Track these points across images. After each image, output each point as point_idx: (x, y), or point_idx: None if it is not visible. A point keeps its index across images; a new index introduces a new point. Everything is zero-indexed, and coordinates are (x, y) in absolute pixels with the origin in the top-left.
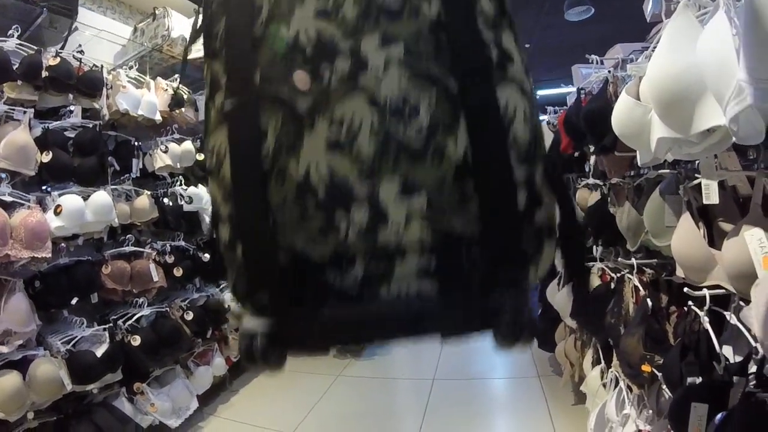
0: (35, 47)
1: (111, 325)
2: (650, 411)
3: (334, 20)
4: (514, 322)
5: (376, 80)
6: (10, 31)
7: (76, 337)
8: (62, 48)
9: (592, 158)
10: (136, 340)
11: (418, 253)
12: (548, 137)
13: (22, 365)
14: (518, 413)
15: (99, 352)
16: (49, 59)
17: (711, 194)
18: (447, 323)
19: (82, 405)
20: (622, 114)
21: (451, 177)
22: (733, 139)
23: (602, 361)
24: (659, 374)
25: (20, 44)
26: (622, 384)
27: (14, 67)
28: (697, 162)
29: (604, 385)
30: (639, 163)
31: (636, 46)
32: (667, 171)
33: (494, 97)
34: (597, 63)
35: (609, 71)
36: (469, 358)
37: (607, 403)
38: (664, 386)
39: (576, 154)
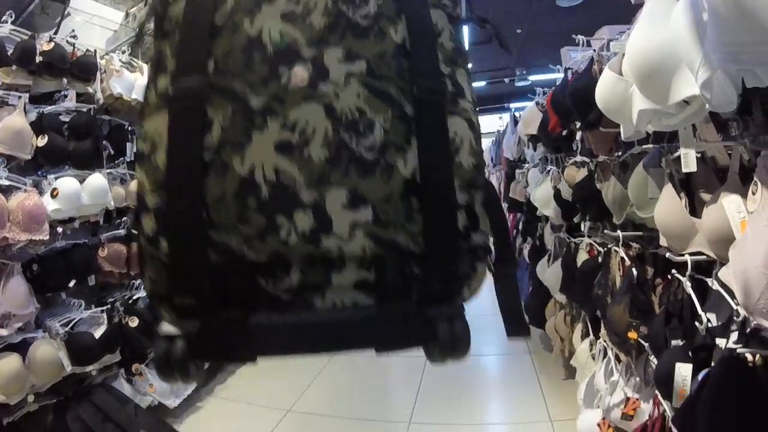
0: (29, 33)
1: (109, 307)
2: (637, 379)
3: (300, 25)
4: (449, 338)
5: (335, 92)
6: (4, 17)
7: (75, 319)
8: (55, 33)
9: (579, 134)
10: (134, 322)
11: (357, 265)
12: (537, 117)
13: (21, 348)
14: (510, 389)
15: (97, 333)
16: (43, 44)
17: (689, 162)
18: (382, 337)
19: (81, 387)
20: (605, 89)
21: (398, 194)
22: (708, 107)
23: (591, 334)
24: (646, 345)
25: (14, 30)
26: (610, 354)
27: (8, 53)
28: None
29: (593, 357)
30: (622, 137)
31: (623, 28)
32: (651, 146)
33: (445, 126)
34: (584, 44)
35: (594, 50)
36: None
37: (596, 373)
38: (651, 357)
39: (564, 132)
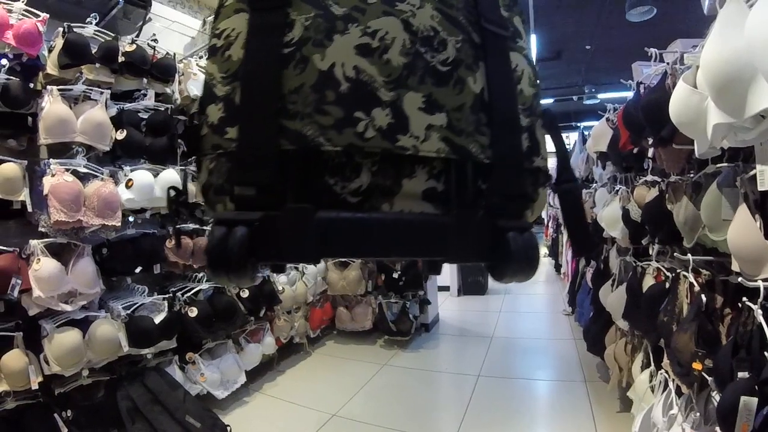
0: (112, 34)
1: (170, 295)
2: (697, 414)
3: None
4: (520, 249)
5: (412, 11)
6: (88, 19)
7: (137, 303)
8: (137, 37)
9: (651, 152)
10: (193, 312)
11: (428, 172)
12: (607, 134)
13: (83, 325)
14: (561, 417)
15: (157, 319)
16: (126, 46)
17: (766, 180)
18: (452, 246)
19: (135, 368)
20: (679, 102)
21: (469, 105)
22: None
23: (652, 364)
24: (710, 379)
25: (98, 31)
26: (671, 386)
27: (93, 51)
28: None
29: (652, 389)
30: (696, 154)
31: (696, 41)
32: (725, 165)
33: (509, 55)
34: (656, 58)
35: (667, 63)
36: (515, 358)
37: (654, 406)
38: (713, 393)
39: (635, 150)
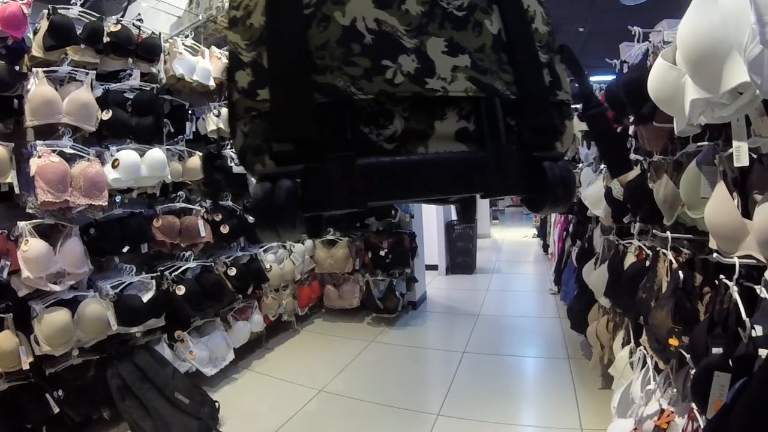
0: (97, 15)
1: (158, 274)
2: (675, 391)
3: None
4: (558, 176)
5: None
6: (73, 0)
7: (125, 282)
8: (122, 16)
9: (632, 129)
10: (181, 290)
11: (458, 113)
12: None
13: (72, 305)
14: (544, 393)
15: (145, 298)
16: (110, 26)
17: (741, 156)
18: (492, 179)
19: (124, 347)
20: (657, 78)
21: (490, 46)
22: (759, 94)
23: (632, 341)
24: (687, 356)
25: (82, 12)
26: (649, 362)
27: (77, 33)
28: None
29: (632, 365)
30: (676, 131)
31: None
32: (705, 143)
33: None
34: (640, 37)
35: (649, 42)
36: (501, 336)
37: (633, 382)
38: (691, 370)
39: (618, 129)
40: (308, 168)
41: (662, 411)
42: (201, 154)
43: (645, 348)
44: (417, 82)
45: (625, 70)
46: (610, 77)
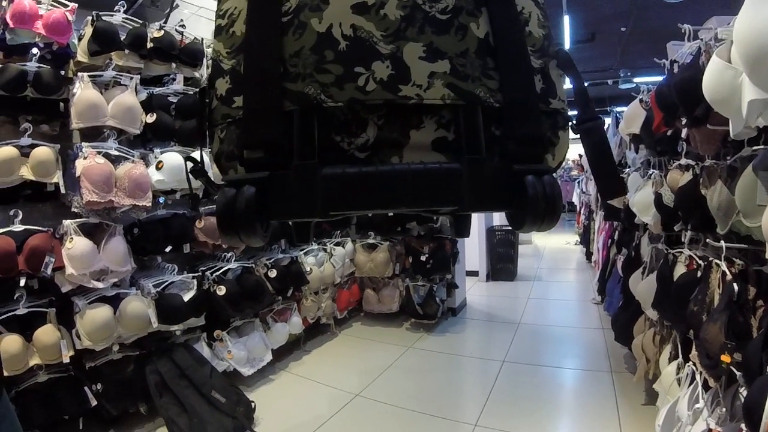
0: (140, 21)
1: (200, 274)
2: (723, 410)
3: None
4: (539, 193)
5: None
6: (116, 7)
7: (167, 281)
8: (165, 23)
9: (684, 132)
10: (221, 290)
11: (436, 122)
12: (640, 115)
13: (114, 301)
14: (585, 407)
15: (186, 297)
16: (154, 32)
17: None
18: (466, 193)
19: (164, 344)
20: (712, 78)
21: (474, 50)
22: None
23: (680, 356)
24: (738, 373)
25: (126, 18)
26: (698, 379)
27: (121, 38)
28: None
29: (679, 381)
30: (732, 134)
31: (732, 18)
32: (762, 147)
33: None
34: (690, 35)
35: (701, 39)
36: (541, 345)
37: (680, 400)
38: (742, 389)
39: (669, 132)
40: (272, 175)
41: (710, 431)
42: None
43: (694, 364)
44: (390, 90)
45: (676, 70)
46: (652, 78)
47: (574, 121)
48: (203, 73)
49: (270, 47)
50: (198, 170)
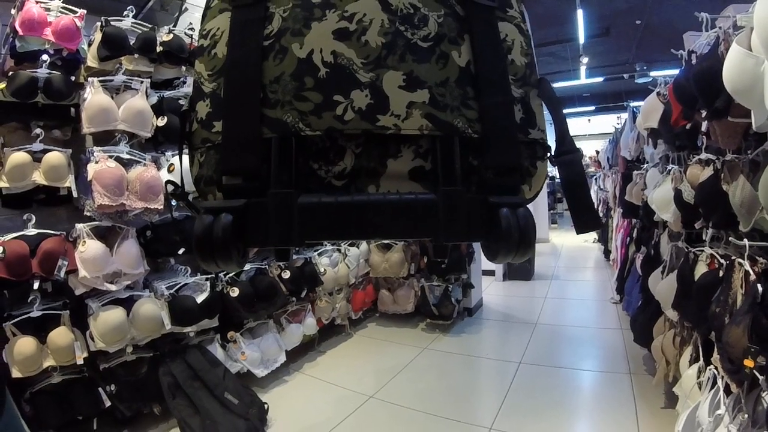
0: (149, 26)
1: (213, 276)
2: (745, 416)
3: None
4: (512, 226)
5: None
6: (125, 12)
7: (180, 283)
8: (174, 26)
9: (704, 126)
10: (235, 292)
11: (414, 151)
12: (658, 109)
13: (127, 303)
14: (602, 409)
15: (199, 299)
16: (163, 36)
17: None
18: (440, 225)
19: (177, 345)
20: (733, 67)
21: (454, 79)
22: None
23: (701, 359)
24: (761, 378)
25: (135, 23)
26: (719, 383)
27: (131, 43)
28: None
29: (700, 385)
30: (754, 126)
31: (750, 6)
32: None
33: (496, 25)
34: (708, 24)
35: (719, 28)
36: (558, 346)
37: (701, 404)
38: (764, 393)
39: (688, 126)
40: (249, 203)
41: None
42: None
43: (715, 368)
44: (368, 119)
45: (694, 61)
46: (669, 71)
47: (552, 153)
48: None
49: (250, 72)
50: (179, 194)
